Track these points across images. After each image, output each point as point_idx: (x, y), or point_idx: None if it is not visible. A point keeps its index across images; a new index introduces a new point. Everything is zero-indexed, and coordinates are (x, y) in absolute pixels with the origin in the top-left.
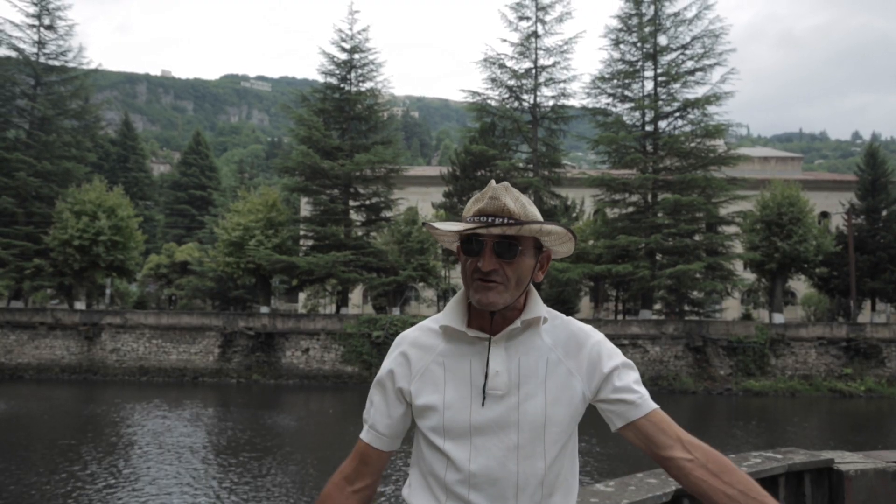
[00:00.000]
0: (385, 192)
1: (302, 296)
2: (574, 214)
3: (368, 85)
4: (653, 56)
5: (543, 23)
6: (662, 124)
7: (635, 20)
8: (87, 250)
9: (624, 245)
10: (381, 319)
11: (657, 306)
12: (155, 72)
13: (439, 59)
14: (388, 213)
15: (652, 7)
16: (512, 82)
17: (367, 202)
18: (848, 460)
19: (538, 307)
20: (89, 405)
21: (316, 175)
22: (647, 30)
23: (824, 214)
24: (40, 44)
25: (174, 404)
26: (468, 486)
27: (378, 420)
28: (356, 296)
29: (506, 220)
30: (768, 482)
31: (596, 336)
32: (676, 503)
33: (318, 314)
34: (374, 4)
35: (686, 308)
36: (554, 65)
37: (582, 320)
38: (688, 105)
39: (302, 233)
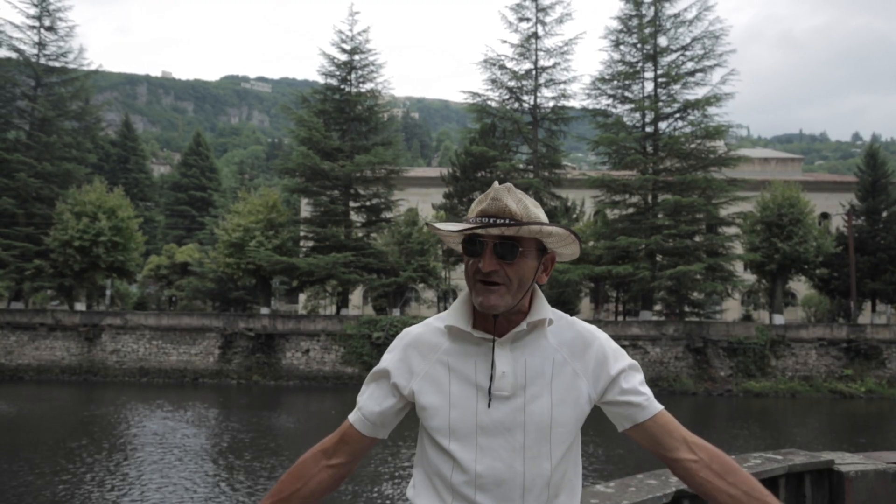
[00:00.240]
0: (385, 194)
1: (302, 297)
2: (574, 215)
3: (369, 86)
4: (653, 57)
5: (543, 24)
6: (663, 125)
7: (635, 21)
8: (87, 251)
9: (624, 246)
10: (381, 320)
11: (657, 307)
12: (155, 73)
13: (439, 60)
14: (388, 215)
15: (652, 8)
16: (512, 83)
17: (368, 203)
18: (848, 461)
19: (544, 309)
20: (91, 406)
21: (316, 176)
22: (647, 31)
23: (824, 215)
24: (41, 45)
25: (176, 405)
26: (474, 486)
27: (367, 406)
28: (356, 297)
29: (507, 221)
30: (768, 483)
31: (602, 337)
32: None
33: (318, 315)
34: (374, 5)
35: (686, 309)
36: (554, 66)
37: (582, 321)
38: (688, 106)
39: (302, 234)
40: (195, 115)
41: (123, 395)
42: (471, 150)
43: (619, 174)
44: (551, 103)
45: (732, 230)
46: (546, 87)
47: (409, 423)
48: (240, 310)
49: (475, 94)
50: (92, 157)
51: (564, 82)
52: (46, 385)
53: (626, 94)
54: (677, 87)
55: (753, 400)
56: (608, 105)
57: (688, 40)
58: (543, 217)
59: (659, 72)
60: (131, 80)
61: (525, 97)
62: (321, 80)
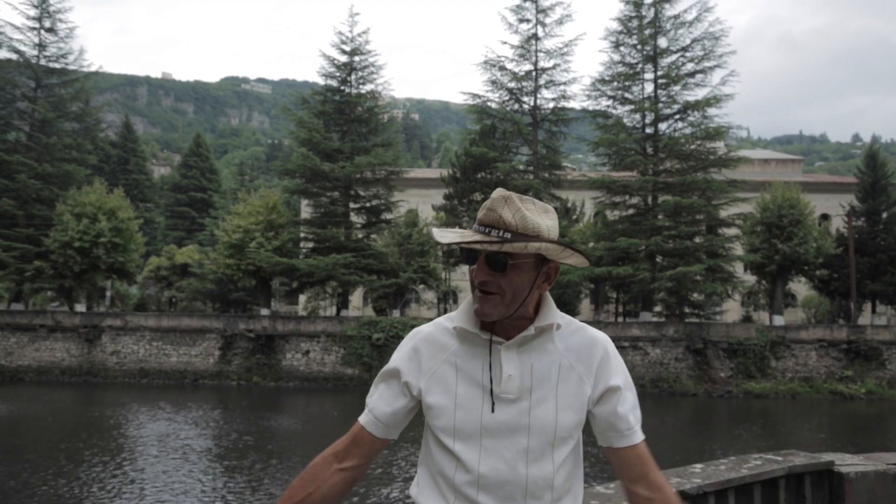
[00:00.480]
0: (385, 195)
1: (302, 298)
2: (574, 216)
3: (369, 87)
4: (653, 58)
5: (543, 25)
6: (662, 126)
7: (635, 23)
8: (87, 252)
9: (624, 247)
10: (381, 322)
11: (657, 308)
12: (155, 74)
13: (439, 61)
14: (388, 216)
15: (652, 9)
16: (512, 84)
17: (368, 204)
18: (848, 462)
19: (552, 314)
20: (91, 407)
21: (316, 177)
22: (647, 32)
23: (824, 216)
24: (41, 46)
25: (176, 407)
26: (477, 487)
27: (378, 407)
28: (356, 298)
29: (500, 233)
30: (768, 484)
31: (609, 346)
32: None
33: (318, 316)
34: (374, 6)
35: (686, 310)
36: (554, 67)
37: (592, 327)
38: (688, 107)
39: (302, 235)
40: (195, 117)
41: (123, 397)
42: (471, 151)
43: (619, 175)
44: (551, 104)
45: (732, 231)
46: (546, 88)
47: (411, 423)
48: (240, 311)
49: (475, 96)
50: (92, 159)
51: (564, 83)
52: (46, 386)
53: (626, 95)
54: (677, 88)
55: (753, 401)
56: (608, 106)
57: (688, 41)
58: (546, 225)
59: (659, 73)
60: (131, 82)
61: (525, 98)
62: (321, 81)
